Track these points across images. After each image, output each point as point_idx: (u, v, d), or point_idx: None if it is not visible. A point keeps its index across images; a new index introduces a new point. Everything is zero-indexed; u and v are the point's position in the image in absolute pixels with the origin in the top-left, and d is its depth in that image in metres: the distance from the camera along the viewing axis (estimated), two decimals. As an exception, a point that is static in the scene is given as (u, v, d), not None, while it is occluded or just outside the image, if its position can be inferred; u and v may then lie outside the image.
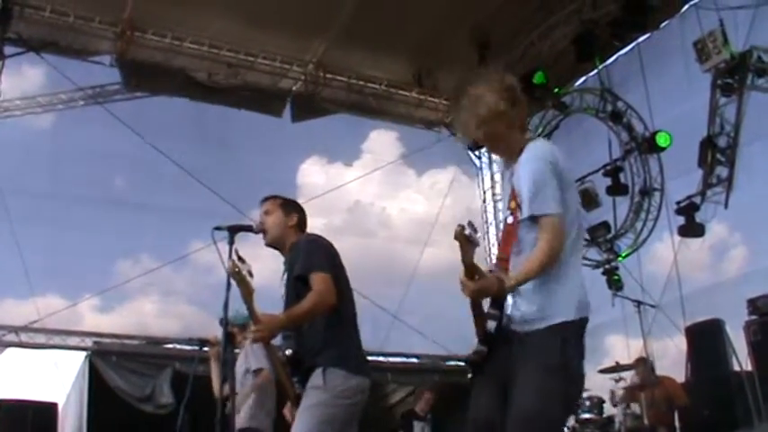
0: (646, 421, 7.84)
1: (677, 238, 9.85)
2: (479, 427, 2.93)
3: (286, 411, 3.87)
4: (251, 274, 3.40)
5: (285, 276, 3.83)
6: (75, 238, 10.19)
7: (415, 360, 11.47)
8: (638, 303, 8.22)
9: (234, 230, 3.66)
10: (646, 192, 10.74)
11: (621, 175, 10.52)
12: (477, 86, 3.01)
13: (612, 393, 8.16)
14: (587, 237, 10.14)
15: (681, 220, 9.73)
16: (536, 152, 2.97)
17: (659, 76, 10.09)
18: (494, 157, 12.30)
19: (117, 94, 10.68)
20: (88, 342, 9.44)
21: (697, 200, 9.60)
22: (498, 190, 12.94)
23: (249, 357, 5.90)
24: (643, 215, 10.76)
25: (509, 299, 2.96)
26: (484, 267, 2.93)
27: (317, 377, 3.57)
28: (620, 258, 10.63)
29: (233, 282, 3.43)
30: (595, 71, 10.83)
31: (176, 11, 10.27)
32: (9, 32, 9.63)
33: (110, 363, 9.22)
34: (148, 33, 10.49)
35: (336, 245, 3.95)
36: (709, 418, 7.92)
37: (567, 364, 2.83)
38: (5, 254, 9.30)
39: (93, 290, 10.08)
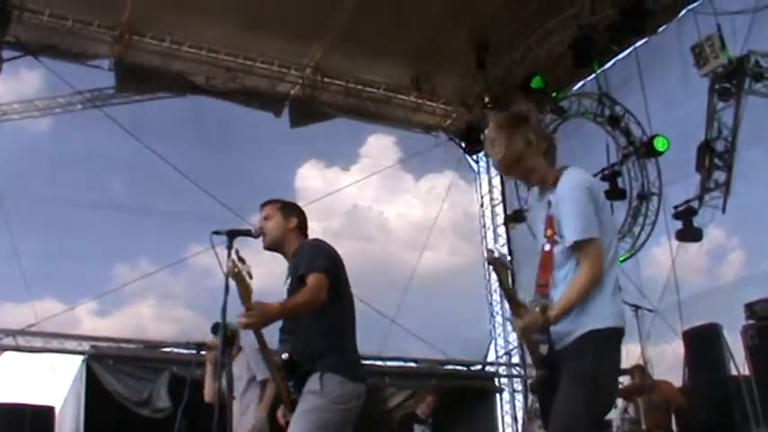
0: (644, 426, 7.85)
1: (675, 242, 9.87)
2: None
3: (279, 415, 3.86)
4: (250, 276, 3.38)
5: (288, 281, 3.83)
6: (73, 242, 10.19)
7: (413, 364, 11.44)
8: (636, 308, 8.21)
9: (232, 235, 3.65)
10: (644, 196, 10.76)
11: (619, 180, 10.53)
12: (507, 121, 3.19)
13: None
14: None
15: (678, 224, 9.74)
16: (574, 182, 3.12)
17: (657, 81, 10.10)
18: (491, 161, 12.29)
19: (115, 97, 10.69)
20: (85, 346, 9.40)
21: (695, 204, 9.61)
22: (496, 195, 12.96)
23: (252, 366, 5.81)
24: (641, 219, 10.78)
25: None
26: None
27: (313, 382, 3.57)
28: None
29: (232, 282, 3.40)
30: (593, 75, 10.85)
31: (175, 15, 10.27)
32: (7, 36, 9.64)
33: (107, 366, 9.18)
34: (147, 37, 10.51)
35: (334, 248, 3.96)
36: (707, 422, 7.94)
37: (596, 371, 2.91)
38: (3, 257, 9.29)
39: (90, 294, 10.06)
